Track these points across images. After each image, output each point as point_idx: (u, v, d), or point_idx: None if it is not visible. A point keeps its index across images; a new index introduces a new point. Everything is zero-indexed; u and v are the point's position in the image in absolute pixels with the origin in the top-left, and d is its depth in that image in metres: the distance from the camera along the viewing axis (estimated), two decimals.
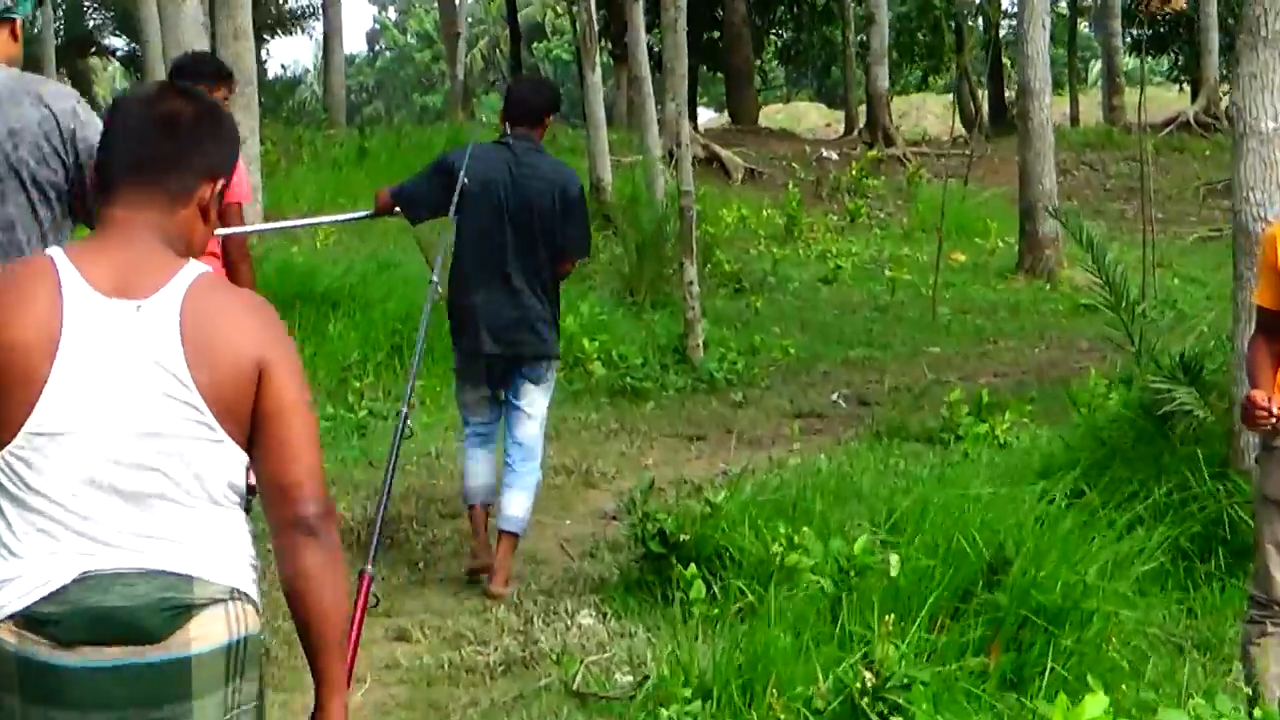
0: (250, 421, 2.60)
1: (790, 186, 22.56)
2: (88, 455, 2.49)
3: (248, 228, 7.68)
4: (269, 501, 2.65)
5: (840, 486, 7.00)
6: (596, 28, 18.83)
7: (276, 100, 30.05)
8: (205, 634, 2.51)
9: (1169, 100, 45.87)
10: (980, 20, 45.21)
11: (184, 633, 2.51)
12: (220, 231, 5.94)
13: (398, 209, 7.07)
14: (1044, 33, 16.91)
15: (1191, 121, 29.25)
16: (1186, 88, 43.76)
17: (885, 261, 18.71)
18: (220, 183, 2.75)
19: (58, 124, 3.87)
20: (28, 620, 2.46)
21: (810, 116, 58.40)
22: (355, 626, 3.22)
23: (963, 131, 31.27)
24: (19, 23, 4.04)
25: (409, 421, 4.71)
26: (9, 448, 2.49)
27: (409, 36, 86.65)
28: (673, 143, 18.52)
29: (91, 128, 3.84)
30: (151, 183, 2.67)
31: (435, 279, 5.69)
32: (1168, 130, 28.90)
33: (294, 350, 2.72)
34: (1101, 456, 6.97)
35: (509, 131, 6.95)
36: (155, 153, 2.69)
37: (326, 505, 2.68)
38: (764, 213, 20.41)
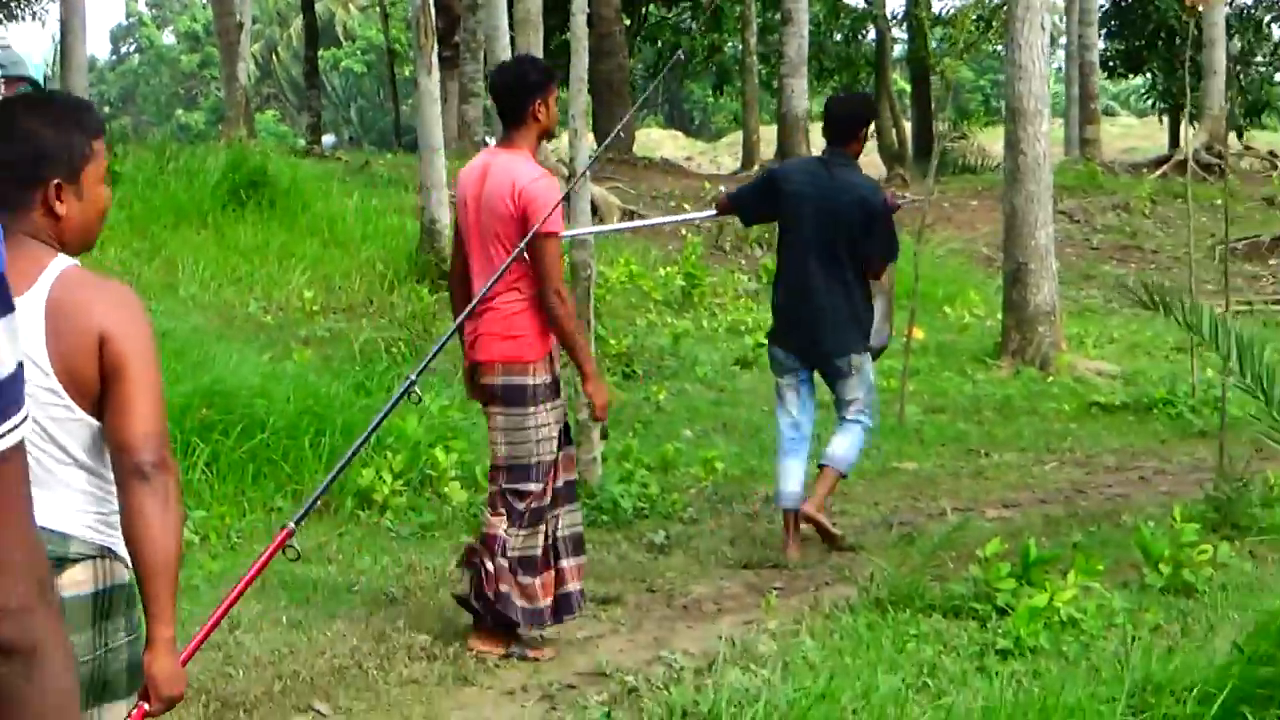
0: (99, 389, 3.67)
1: (686, 235, 21.52)
2: None
3: (589, 229, 12.14)
4: (112, 455, 3.71)
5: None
6: (434, 14, 17.68)
7: None
8: (75, 583, 3.58)
9: (1148, 133, 45.99)
10: (906, 28, 44.96)
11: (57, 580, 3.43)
12: (568, 233, 9.79)
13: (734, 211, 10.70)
14: (1043, 36, 16.02)
15: (1191, 161, 28.74)
16: (1165, 118, 43.74)
17: None
18: (54, 182, 3.81)
19: None
20: None
21: (665, 147, 57.75)
22: (255, 569, 4.17)
23: (899, 169, 30.71)
24: None
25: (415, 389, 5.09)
26: None
27: (167, 34, 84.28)
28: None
29: None
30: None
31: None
32: (1161, 171, 28.46)
33: (140, 323, 3.74)
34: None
35: (827, 147, 9.72)
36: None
37: (160, 456, 3.69)
38: (660, 271, 19.22)
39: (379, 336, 14.61)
